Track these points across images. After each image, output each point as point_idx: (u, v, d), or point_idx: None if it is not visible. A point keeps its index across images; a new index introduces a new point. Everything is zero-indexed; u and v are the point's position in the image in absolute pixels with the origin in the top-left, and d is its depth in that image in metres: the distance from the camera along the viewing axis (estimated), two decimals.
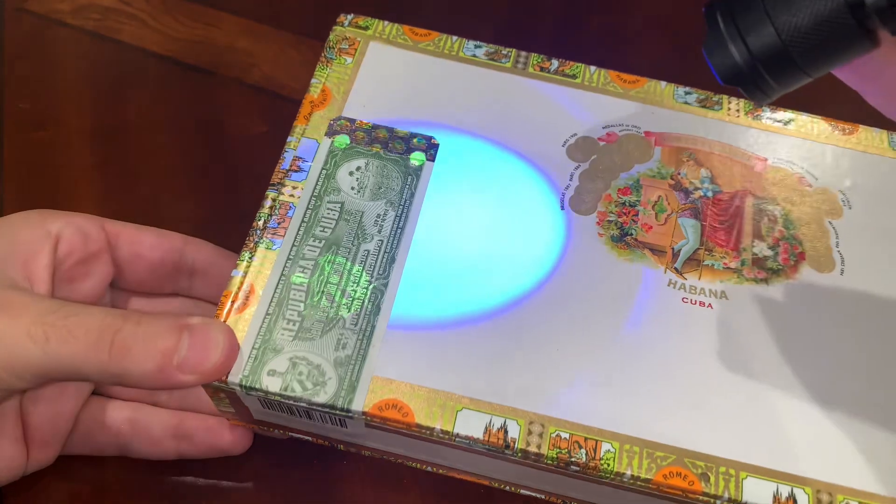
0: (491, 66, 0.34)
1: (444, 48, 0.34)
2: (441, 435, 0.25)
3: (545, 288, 0.28)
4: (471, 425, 0.25)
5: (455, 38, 0.34)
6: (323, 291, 0.27)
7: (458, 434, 0.25)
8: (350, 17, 0.35)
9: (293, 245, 0.28)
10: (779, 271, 0.29)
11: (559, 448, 0.25)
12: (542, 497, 0.30)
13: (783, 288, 0.29)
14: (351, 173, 0.30)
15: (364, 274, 0.28)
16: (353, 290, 0.27)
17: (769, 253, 0.30)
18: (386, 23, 0.35)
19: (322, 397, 0.25)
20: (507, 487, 0.30)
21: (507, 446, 0.25)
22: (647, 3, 0.47)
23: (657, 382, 0.27)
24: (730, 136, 0.33)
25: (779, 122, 0.33)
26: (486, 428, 0.25)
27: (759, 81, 0.21)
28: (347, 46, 0.34)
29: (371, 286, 0.28)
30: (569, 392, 0.26)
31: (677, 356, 0.27)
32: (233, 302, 0.27)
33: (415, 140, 0.31)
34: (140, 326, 0.25)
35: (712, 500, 0.25)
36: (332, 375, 0.26)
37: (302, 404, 0.26)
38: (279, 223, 0.29)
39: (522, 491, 0.30)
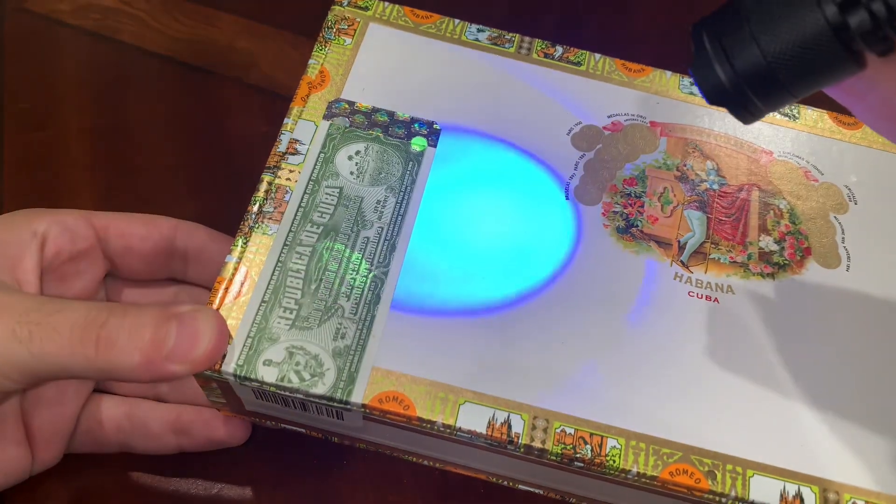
0: (494, 50, 0.33)
1: (445, 31, 0.33)
2: (442, 429, 0.25)
3: (549, 279, 0.28)
4: (473, 419, 0.25)
5: (457, 21, 0.33)
6: (321, 279, 0.26)
7: (460, 428, 0.24)
8: None
9: (290, 230, 0.27)
10: (785, 266, 0.29)
11: (564, 444, 0.24)
12: (541, 493, 0.29)
13: (790, 283, 0.28)
14: (350, 157, 0.29)
15: (364, 262, 0.27)
16: (352, 279, 0.27)
17: (775, 248, 0.29)
18: (386, 3, 0.34)
19: (320, 388, 0.24)
20: (506, 482, 0.29)
21: (511, 441, 0.24)
22: None
23: (663, 378, 0.26)
24: (735, 129, 0.32)
25: (784, 115, 0.33)
26: (489, 422, 0.25)
27: (745, 102, 0.21)
28: (346, 27, 0.33)
29: (371, 274, 0.27)
30: (573, 386, 0.26)
31: (683, 351, 0.27)
32: (226, 289, 0.26)
33: (416, 125, 0.30)
34: (125, 318, 0.24)
35: (718, 499, 0.25)
36: (331, 366, 0.25)
37: (298, 396, 0.25)
38: (275, 207, 0.28)
39: (521, 486, 0.29)
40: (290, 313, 0.26)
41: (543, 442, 0.24)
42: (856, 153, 0.32)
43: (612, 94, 0.32)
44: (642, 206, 0.29)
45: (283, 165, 0.29)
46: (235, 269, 0.26)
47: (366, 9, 0.33)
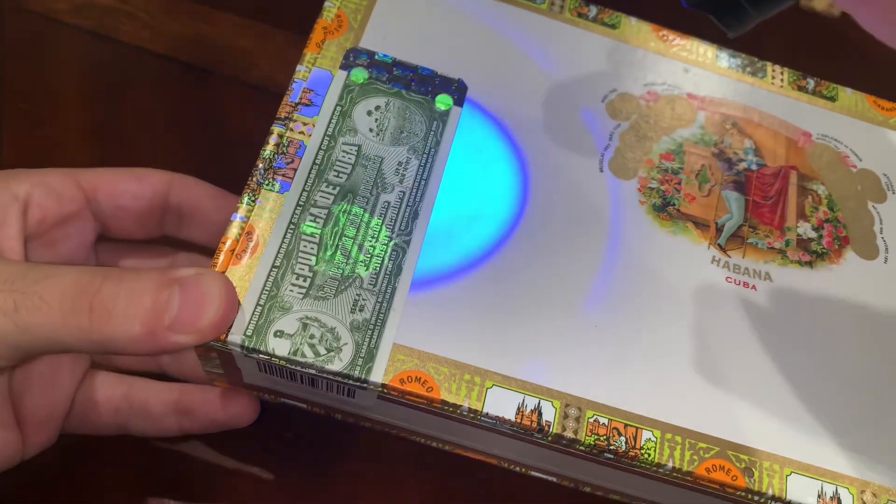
0: (524, 6, 0.30)
1: None
2: (468, 414, 0.23)
3: (583, 256, 0.26)
4: (502, 405, 0.23)
5: None
6: (338, 245, 0.24)
7: (487, 414, 0.23)
8: None
9: (303, 190, 0.25)
10: (823, 255, 0.27)
11: (597, 434, 0.23)
12: (554, 480, 0.28)
13: (828, 273, 0.27)
14: (369, 113, 0.27)
15: (384, 228, 0.25)
16: (371, 246, 0.24)
17: (813, 235, 0.28)
18: None
19: (336, 365, 0.22)
20: (517, 468, 0.28)
21: (541, 429, 0.23)
22: None
23: (698, 367, 0.25)
24: (772, 107, 0.30)
25: (824, 96, 0.31)
26: (518, 408, 0.23)
27: (733, 7, 0.19)
28: None
29: (392, 242, 0.24)
30: (607, 373, 0.24)
31: (720, 340, 0.25)
32: (232, 250, 0.23)
33: (441, 80, 0.28)
34: (122, 283, 0.21)
35: (752, 497, 0.23)
36: (349, 341, 0.23)
37: (311, 371, 0.22)
38: (287, 164, 0.25)
39: (533, 473, 0.28)
40: (304, 281, 0.23)
41: (576, 432, 0.23)
42: (894, 140, 0.31)
43: (648, 61, 0.30)
44: (679, 184, 0.28)
45: (295, 117, 0.26)
46: (243, 228, 0.24)
47: None
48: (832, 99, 0.31)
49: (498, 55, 0.29)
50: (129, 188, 0.27)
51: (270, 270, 0.23)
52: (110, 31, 0.38)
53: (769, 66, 0.31)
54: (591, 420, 0.23)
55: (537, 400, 0.23)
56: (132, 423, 0.27)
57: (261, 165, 0.25)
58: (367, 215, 0.25)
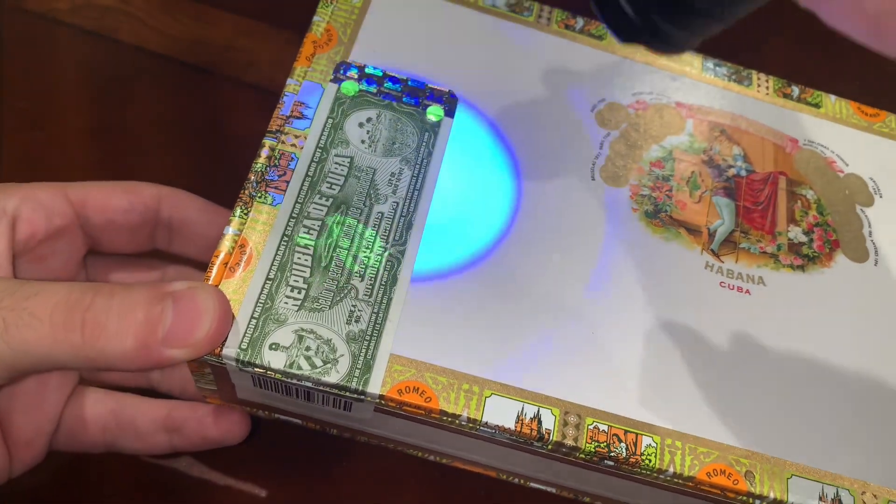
0: (512, 18, 0.31)
1: None
2: (467, 423, 0.23)
3: (577, 264, 0.26)
4: (501, 414, 0.23)
5: None
6: (332, 256, 0.24)
7: (486, 423, 0.22)
8: None
9: (296, 202, 0.25)
10: (814, 258, 0.28)
11: (597, 441, 0.23)
12: (553, 491, 0.27)
13: (820, 277, 0.27)
14: (361, 125, 0.27)
15: (378, 239, 0.25)
16: (366, 257, 0.24)
17: (804, 239, 0.28)
18: None
19: (333, 377, 0.22)
20: (516, 480, 0.27)
21: (541, 438, 0.22)
22: None
23: (696, 372, 0.25)
24: (759, 114, 0.31)
25: (809, 103, 0.32)
26: (517, 417, 0.23)
27: (659, 33, 0.18)
28: None
29: (386, 253, 0.24)
30: (605, 380, 0.24)
31: (716, 345, 0.25)
32: (225, 263, 0.23)
33: (432, 92, 0.28)
34: (113, 298, 0.21)
35: (752, 501, 0.23)
36: (345, 352, 0.22)
37: (307, 384, 0.22)
38: (279, 176, 0.25)
39: (532, 484, 0.27)
40: (299, 293, 0.23)
41: (576, 439, 0.23)
42: (878, 145, 0.31)
43: (635, 71, 0.31)
44: (670, 191, 0.28)
45: (286, 130, 0.26)
46: (235, 241, 0.24)
47: None
48: (817, 106, 0.32)
49: (487, 67, 0.29)
50: (120, 203, 0.27)
51: (265, 283, 0.23)
52: (110, 31, 0.38)
53: (755, 75, 0.32)
54: (591, 427, 0.23)
55: (536, 408, 0.23)
56: (121, 441, 0.27)
57: (253, 178, 0.25)
58: (360, 226, 0.25)
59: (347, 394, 0.22)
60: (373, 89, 0.27)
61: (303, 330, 0.23)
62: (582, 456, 0.23)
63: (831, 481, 0.24)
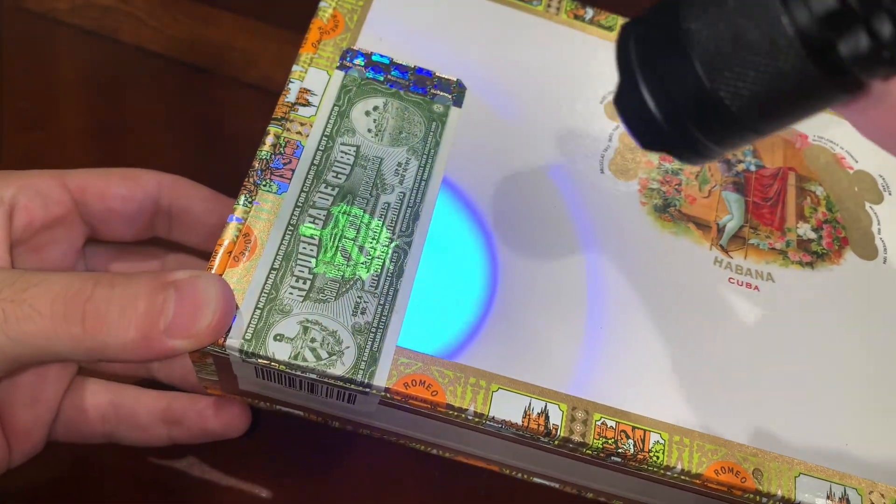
0: (520, 7, 0.30)
1: None
2: (473, 418, 0.22)
3: (586, 258, 0.25)
4: (508, 408, 0.22)
5: None
6: (338, 247, 0.23)
7: (493, 417, 0.22)
8: None
9: (302, 191, 0.24)
10: (823, 255, 0.27)
11: (605, 437, 0.22)
12: (557, 486, 0.27)
13: (829, 274, 0.27)
14: (367, 113, 0.26)
15: (384, 230, 0.24)
16: (372, 248, 0.24)
17: (813, 235, 0.28)
18: None
19: (339, 369, 0.22)
20: (519, 475, 0.27)
21: (549, 433, 0.22)
22: None
23: (704, 369, 0.24)
24: None
25: None
26: (525, 412, 0.22)
27: (690, 142, 0.16)
28: None
29: (393, 244, 0.24)
30: (613, 376, 0.24)
31: (724, 342, 0.25)
32: (229, 252, 0.23)
33: (439, 81, 0.27)
34: (114, 288, 0.20)
35: (760, 499, 0.23)
36: (351, 344, 0.22)
37: (312, 376, 0.22)
38: (284, 164, 0.24)
39: (536, 479, 0.27)
40: (304, 283, 0.23)
41: (583, 435, 0.22)
42: None
43: None
44: (679, 185, 0.28)
45: (292, 117, 0.25)
46: (239, 230, 0.23)
47: None
48: None
49: (495, 56, 0.29)
50: (119, 190, 0.26)
51: (269, 273, 0.23)
52: (110, 31, 0.38)
53: None
54: (599, 423, 0.23)
55: (544, 403, 0.23)
56: (120, 432, 0.26)
57: (257, 166, 0.24)
58: (367, 216, 0.24)
59: (352, 386, 0.22)
60: (380, 78, 0.27)
61: (308, 321, 0.22)
62: (589, 452, 0.23)
63: (839, 480, 0.23)
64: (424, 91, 0.27)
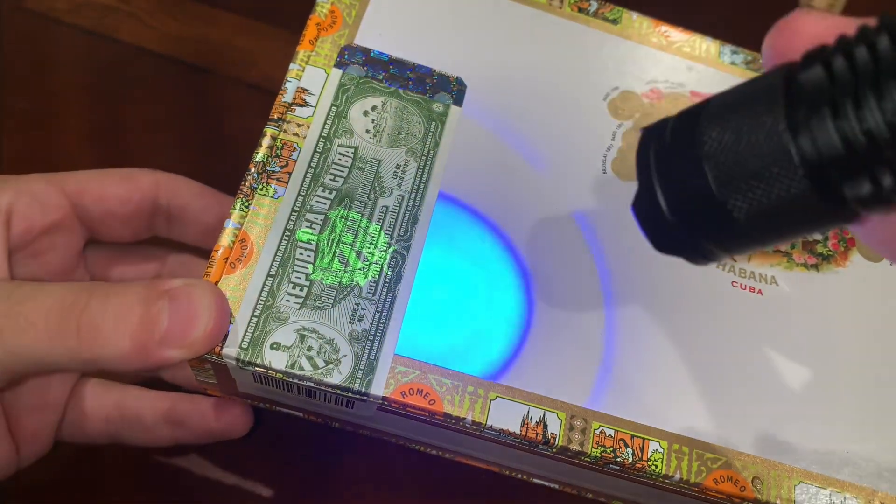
0: (523, 0, 0.30)
1: None
2: (471, 426, 0.22)
3: (586, 263, 0.25)
4: (506, 417, 0.22)
5: None
6: (335, 252, 0.23)
7: (491, 426, 0.22)
8: None
9: (299, 194, 0.24)
10: (829, 257, 0.27)
11: (603, 446, 0.22)
12: (556, 487, 0.27)
13: (834, 276, 0.27)
14: (366, 113, 0.26)
15: (383, 234, 0.24)
16: (369, 253, 0.23)
17: (818, 237, 0.27)
18: None
19: (336, 378, 0.22)
20: (519, 475, 0.27)
21: (547, 442, 0.22)
22: None
23: (704, 376, 0.24)
24: None
25: None
26: (523, 421, 0.22)
27: (699, 248, 0.17)
28: None
29: (391, 249, 0.24)
30: (611, 383, 0.23)
31: (726, 347, 0.25)
32: (225, 258, 0.23)
33: (439, 79, 0.27)
34: (109, 299, 0.20)
35: None
36: (348, 352, 0.22)
37: (309, 384, 0.22)
38: (281, 167, 0.24)
39: (535, 480, 0.27)
40: (301, 290, 0.22)
41: (582, 444, 0.22)
42: None
43: (649, 58, 0.29)
44: None
45: (289, 118, 0.25)
46: (236, 236, 0.23)
47: None
48: None
49: (496, 51, 0.28)
50: (117, 192, 0.26)
51: (266, 280, 0.22)
52: (110, 31, 0.38)
53: None
54: (597, 431, 0.23)
55: (542, 412, 0.22)
56: (124, 433, 0.27)
57: (254, 169, 0.24)
58: (364, 221, 0.24)
59: (350, 395, 0.22)
60: (379, 76, 0.26)
61: (305, 329, 0.22)
62: (587, 460, 0.23)
63: (839, 489, 0.23)
64: (424, 89, 0.27)
